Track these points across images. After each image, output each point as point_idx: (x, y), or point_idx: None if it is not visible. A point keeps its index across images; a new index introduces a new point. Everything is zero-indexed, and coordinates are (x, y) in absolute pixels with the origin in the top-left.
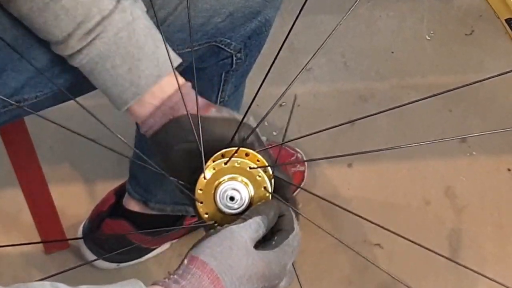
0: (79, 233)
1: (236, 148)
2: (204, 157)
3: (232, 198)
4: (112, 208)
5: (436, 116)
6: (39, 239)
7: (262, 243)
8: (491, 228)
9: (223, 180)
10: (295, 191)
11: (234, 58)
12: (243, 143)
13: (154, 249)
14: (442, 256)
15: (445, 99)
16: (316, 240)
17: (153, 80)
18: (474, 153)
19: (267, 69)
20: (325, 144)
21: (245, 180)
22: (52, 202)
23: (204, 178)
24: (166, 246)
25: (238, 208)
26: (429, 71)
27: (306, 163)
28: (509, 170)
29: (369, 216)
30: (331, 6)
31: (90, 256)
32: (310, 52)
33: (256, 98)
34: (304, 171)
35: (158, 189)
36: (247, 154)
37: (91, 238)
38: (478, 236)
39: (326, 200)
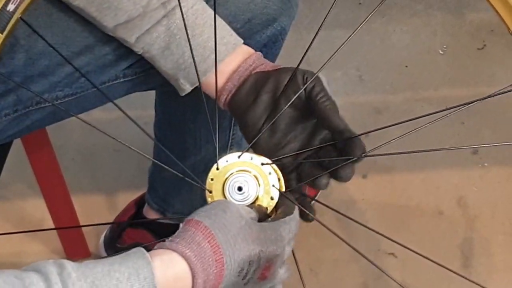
0: (101, 242)
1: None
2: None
3: (240, 189)
4: (132, 218)
5: (448, 128)
6: (61, 248)
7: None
8: (503, 237)
9: (236, 171)
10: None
11: None
12: (306, 86)
13: None
14: (450, 270)
15: (457, 111)
16: (331, 249)
17: (232, 47)
18: (486, 164)
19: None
20: None
21: (257, 175)
22: (74, 212)
23: (217, 168)
24: None
25: (243, 201)
26: (442, 84)
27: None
28: None
29: (383, 226)
30: (346, 21)
31: None
32: (325, 66)
33: None
34: None
35: (175, 199)
36: (270, 173)
37: (112, 247)
38: (489, 245)
39: (338, 212)
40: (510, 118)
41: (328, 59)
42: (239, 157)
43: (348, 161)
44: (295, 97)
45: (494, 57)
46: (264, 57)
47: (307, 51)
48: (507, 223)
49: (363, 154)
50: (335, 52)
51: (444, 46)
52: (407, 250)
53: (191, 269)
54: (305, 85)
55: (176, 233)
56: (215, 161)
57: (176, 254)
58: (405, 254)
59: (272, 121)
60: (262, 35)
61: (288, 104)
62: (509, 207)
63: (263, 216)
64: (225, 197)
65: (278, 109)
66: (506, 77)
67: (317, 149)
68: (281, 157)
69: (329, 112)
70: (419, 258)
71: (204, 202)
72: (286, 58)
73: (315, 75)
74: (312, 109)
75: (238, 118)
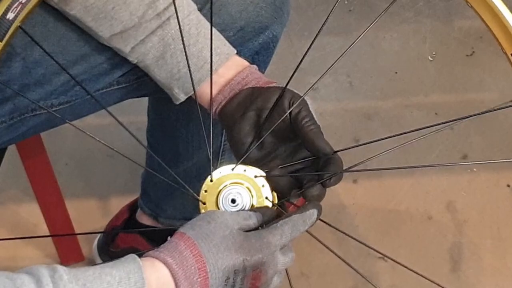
0: (94, 247)
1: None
2: (261, 129)
3: (233, 201)
4: (125, 223)
5: (437, 134)
6: (55, 252)
7: None
8: (491, 241)
9: (229, 183)
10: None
11: None
12: (291, 110)
13: None
14: (435, 283)
15: (446, 117)
16: (322, 253)
17: (225, 57)
18: (474, 169)
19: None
20: None
21: (250, 187)
22: (68, 217)
23: (211, 180)
24: None
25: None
26: (432, 91)
27: None
28: (508, 186)
29: (373, 230)
30: (336, 28)
31: None
32: (316, 72)
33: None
34: None
35: (168, 204)
36: (263, 186)
37: (106, 252)
38: (478, 249)
39: (326, 223)
40: (499, 123)
41: (319, 78)
42: (232, 169)
43: (326, 178)
44: (279, 121)
45: (483, 63)
46: (256, 64)
47: (298, 66)
48: (495, 228)
49: (340, 171)
50: (326, 71)
51: (434, 53)
52: (397, 254)
53: (173, 275)
54: (290, 109)
55: (161, 245)
56: (207, 167)
57: (158, 261)
58: (394, 258)
59: (257, 144)
60: (254, 43)
61: (271, 129)
62: (497, 212)
63: (270, 216)
64: (218, 209)
65: (263, 128)
66: (494, 84)
67: (299, 167)
68: (274, 168)
69: (314, 136)
70: (408, 262)
71: (196, 208)
72: (278, 64)
73: (301, 98)
74: (297, 132)
75: (226, 130)
